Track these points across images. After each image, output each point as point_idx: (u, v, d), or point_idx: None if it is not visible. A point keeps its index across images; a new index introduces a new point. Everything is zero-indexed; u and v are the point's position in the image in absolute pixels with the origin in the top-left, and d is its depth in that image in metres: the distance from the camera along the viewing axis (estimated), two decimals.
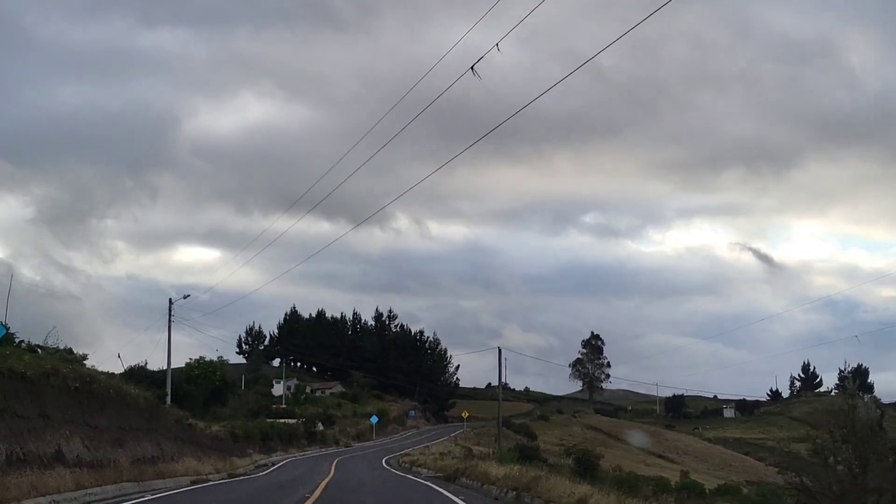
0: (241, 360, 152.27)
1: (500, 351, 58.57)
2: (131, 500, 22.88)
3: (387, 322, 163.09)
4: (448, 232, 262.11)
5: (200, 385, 69.02)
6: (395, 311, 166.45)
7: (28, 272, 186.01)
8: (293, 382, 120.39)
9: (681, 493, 45.89)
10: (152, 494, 24.43)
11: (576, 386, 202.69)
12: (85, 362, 60.80)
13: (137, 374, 64.35)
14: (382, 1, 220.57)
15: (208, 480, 35.54)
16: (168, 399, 55.51)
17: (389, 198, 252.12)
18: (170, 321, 56.07)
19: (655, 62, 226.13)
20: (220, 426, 52.25)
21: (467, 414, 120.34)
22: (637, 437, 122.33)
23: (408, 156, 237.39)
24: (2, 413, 19.74)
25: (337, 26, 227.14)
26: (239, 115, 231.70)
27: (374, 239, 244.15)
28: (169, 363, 56.07)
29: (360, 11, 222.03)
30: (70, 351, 61.77)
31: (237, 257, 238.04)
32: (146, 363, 67.31)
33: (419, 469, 50.10)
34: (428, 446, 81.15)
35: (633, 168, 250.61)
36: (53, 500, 19.30)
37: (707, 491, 57.26)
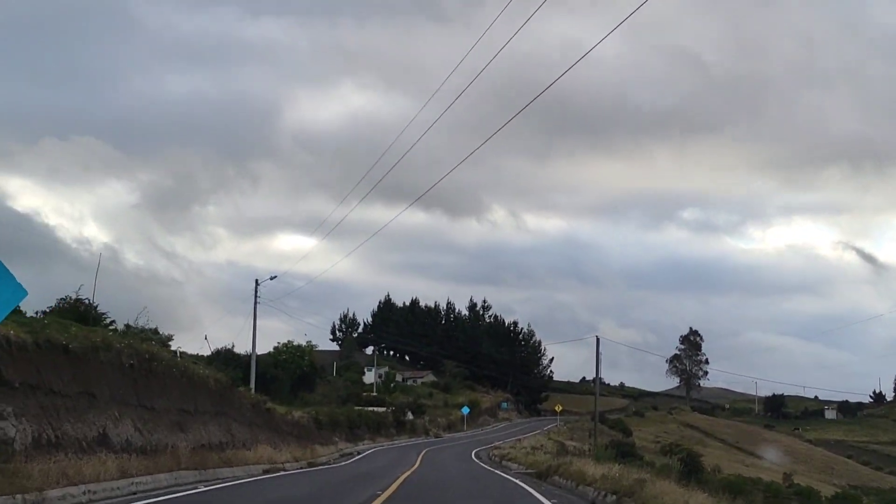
0: (334, 347, 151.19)
1: (597, 340, 55.06)
2: (185, 490, 20.43)
3: (481, 312, 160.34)
4: (544, 225, 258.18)
5: (287, 370, 67.20)
6: (490, 302, 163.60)
7: (132, 257, 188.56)
8: (384, 370, 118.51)
9: (793, 501, 41.87)
10: (209, 485, 21.88)
11: (672, 382, 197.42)
12: (170, 343, 59.61)
13: (224, 357, 62.83)
14: None
15: (283, 469, 33.10)
16: (252, 382, 53.57)
17: (486, 190, 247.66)
18: (255, 303, 54.21)
19: (761, 58, 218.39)
20: (304, 412, 50.09)
21: (560, 407, 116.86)
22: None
23: (505, 148, 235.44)
24: (33, 389, 17.31)
25: (439, 18, 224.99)
26: (340, 105, 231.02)
27: (470, 230, 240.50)
28: (254, 346, 54.22)
29: (463, 4, 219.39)
30: (156, 331, 60.52)
31: (335, 246, 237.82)
32: (233, 346, 65.80)
33: (509, 464, 47.09)
34: (520, 439, 78.04)
35: (735, 164, 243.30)
36: (89, 490, 16.83)
37: (824, 499, 52.71)
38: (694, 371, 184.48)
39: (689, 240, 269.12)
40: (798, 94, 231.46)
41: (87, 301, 57.74)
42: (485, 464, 47.81)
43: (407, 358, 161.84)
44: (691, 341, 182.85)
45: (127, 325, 61.24)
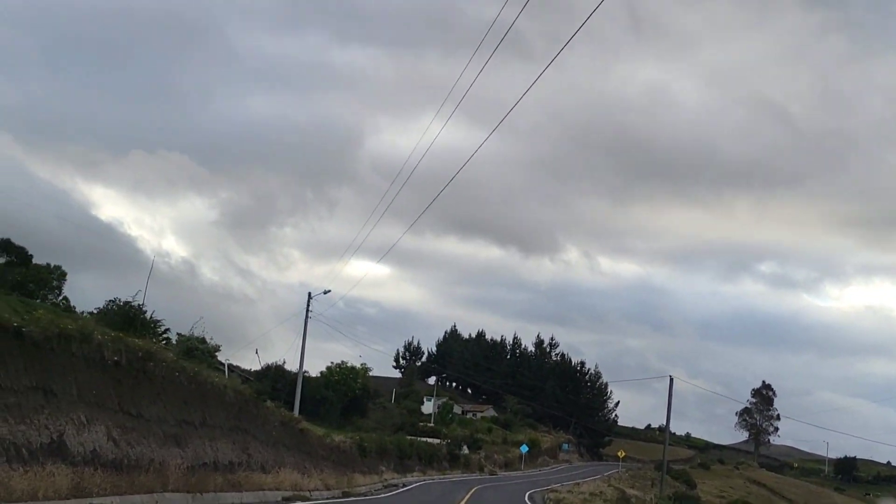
0: (397, 374, 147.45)
1: (670, 381, 50.21)
2: None
3: (547, 350, 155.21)
4: (618, 268, 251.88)
5: (338, 392, 63.40)
6: (558, 341, 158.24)
7: (208, 272, 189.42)
8: (443, 401, 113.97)
9: None
10: None
11: (739, 436, 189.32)
12: (217, 354, 56.16)
13: (273, 373, 59.41)
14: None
15: (307, 498, 29.08)
16: (297, 401, 49.81)
17: (561, 229, 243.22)
18: (307, 317, 50.57)
19: (848, 114, 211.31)
20: (347, 437, 46.06)
21: (623, 454, 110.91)
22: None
23: (584, 189, 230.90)
24: None
25: (525, 56, 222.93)
26: (420, 135, 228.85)
27: (542, 269, 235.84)
28: (302, 362, 50.57)
29: (551, 42, 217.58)
30: (203, 340, 57.18)
31: (406, 275, 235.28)
32: (284, 362, 62.27)
33: None
34: (578, 483, 72.90)
35: (815, 219, 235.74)
36: None
37: None
38: (764, 426, 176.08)
39: (765, 293, 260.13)
40: (883, 153, 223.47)
41: (138, 305, 54.40)
42: None
43: (469, 391, 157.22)
44: (763, 395, 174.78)
45: (179, 335, 58.02)
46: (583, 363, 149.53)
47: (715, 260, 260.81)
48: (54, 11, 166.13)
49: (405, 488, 49.83)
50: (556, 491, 57.46)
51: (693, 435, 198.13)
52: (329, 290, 51.94)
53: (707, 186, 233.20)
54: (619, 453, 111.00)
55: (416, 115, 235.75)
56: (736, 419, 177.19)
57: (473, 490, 54.74)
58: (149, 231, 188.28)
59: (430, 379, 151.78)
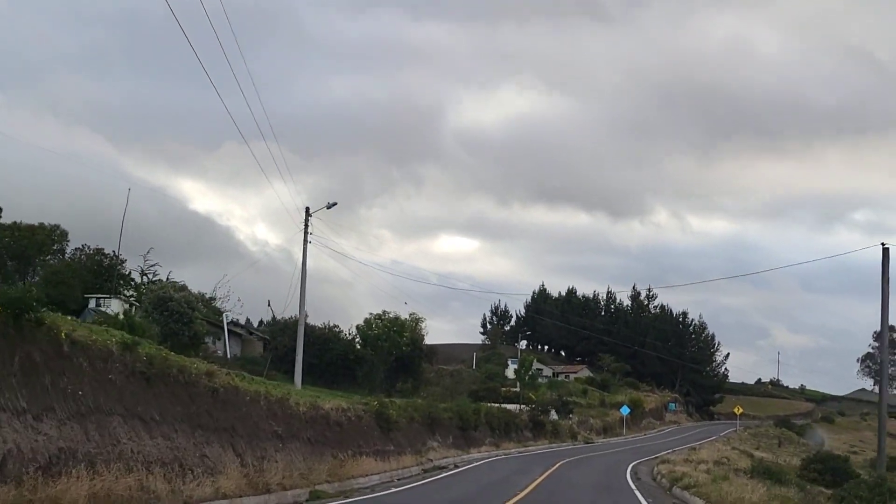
0: (485, 342, 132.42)
1: (884, 250, 33.47)
2: None
3: (645, 303, 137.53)
4: (709, 227, 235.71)
5: (380, 351, 48.44)
6: (655, 293, 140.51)
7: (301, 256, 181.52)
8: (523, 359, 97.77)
9: None
10: None
11: (859, 384, 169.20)
12: (227, 312, 43.31)
13: (284, 326, 45.13)
14: None
15: None
16: (299, 360, 35.18)
17: (649, 191, 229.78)
18: (305, 240, 35.75)
19: None
20: (358, 403, 31.00)
21: (741, 409, 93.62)
22: None
23: (669, 149, 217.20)
24: None
25: (601, 18, 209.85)
26: (501, 107, 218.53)
27: (632, 232, 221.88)
28: (302, 304, 35.67)
29: (627, 3, 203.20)
30: (212, 299, 45.94)
31: (496, 248, 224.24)
32: (307, 315, 47.40)
33: (685, 493, 26.81)
34: (694, 448, 56.59)
35: None
36: None
37: None
38: (891, 372, 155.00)
39: (860, 242, 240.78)
40: None
41: (113, 255, 42.19)
42: (645, 493, 27.58)
43: (562, 353, 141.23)
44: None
45: (149, 282, 45.03)
46: (685, 314, 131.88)
47: (807, 212, 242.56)
48: (133, 8, 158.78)
49: (456, 470, 34.72)
50: (669, 461, 41.54)
51: (808, 387, 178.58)
52: (335, 203, 36.60)
53: (795, 137, 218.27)
54: (735, 410, 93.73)
55: (495, 86, 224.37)
56: (857, 366, 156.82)
57: (556, 466, 39.30)
58: (241, 221, 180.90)
59: (520, 344, 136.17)
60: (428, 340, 73.93)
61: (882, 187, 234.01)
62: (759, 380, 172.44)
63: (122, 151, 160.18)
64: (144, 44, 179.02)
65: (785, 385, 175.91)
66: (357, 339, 49.38)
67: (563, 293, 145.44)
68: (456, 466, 36.54)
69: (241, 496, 17.39)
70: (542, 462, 41.94)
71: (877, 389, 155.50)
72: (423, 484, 27.44)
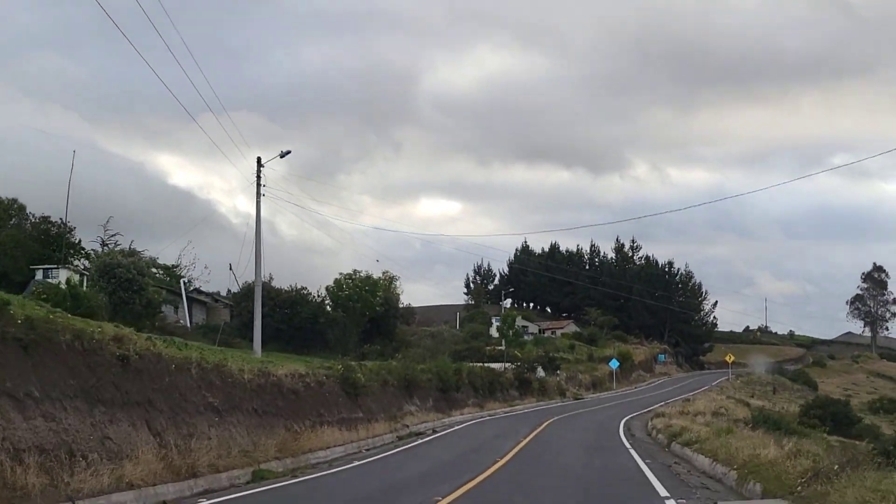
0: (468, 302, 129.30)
1: None
2: None
3: (630, 254, 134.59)
4: (689, 178, 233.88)
5: (353, 312, 45.15)
6: (640, 244, 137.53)
7: (285, 228, 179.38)
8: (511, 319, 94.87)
9: None
10: None
11: (847, 328, 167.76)
12: (184, 278, 39.79)
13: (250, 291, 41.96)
14: None
15: None
16: (257, 324, 31.94)
17: (627, 145, 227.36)
18: (259, 192, 32.24)
19: None
20: (319, 367, 27.79)
21: (732, 357, 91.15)
22: None
23: (646, 102, 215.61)
24: None
25: None
26: (477, 67, 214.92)
27: (613, 187, 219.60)
28: (258, 261, 32.18)
29: None
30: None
31: (478, 209, 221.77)
32: (271, 278, 44.12)
33: (686, 450, 23.91)
34: (688, 399, 53.90)
35: (887, 106, 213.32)
36: None
37: None
38: (880, 312, 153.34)
39: (839, 187, 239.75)
40: None
41: (61, 223, 38.70)
42: (638, 450, 24.61)
43: (547, 309, 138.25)
44: (875, 279, 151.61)
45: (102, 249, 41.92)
46: (670, 263, 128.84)
47: (786, 158, 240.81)
48: None
49: (434, 436, 31.76)
50: (663, 414, 38.65)
51: (797, 333, 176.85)
52: (289, 151, 33.07)
53: (771, 84, 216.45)
54: (726, 358, 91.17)
55: (470, 47, 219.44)
56: (847, 308, 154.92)
57: (544, 426, 36.46)
58: (221, 193, 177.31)
59: (504, 302, 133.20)
60: (413, 304, 71.10)
61: (859, 131, 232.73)
62: (748, 328, 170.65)
63: (97, 128, 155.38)
64: (115, 18, 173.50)
65: (774, 332, 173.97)
66: (327, 302, 46.06)
67: (546, 249, 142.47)
68: (434, 432, 33.56)
69: (154, 484, 14.21)
70: (529, 422, 39.03)
71: (867, 332, 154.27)
72: (393, 454, 24.43)
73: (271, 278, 44.55)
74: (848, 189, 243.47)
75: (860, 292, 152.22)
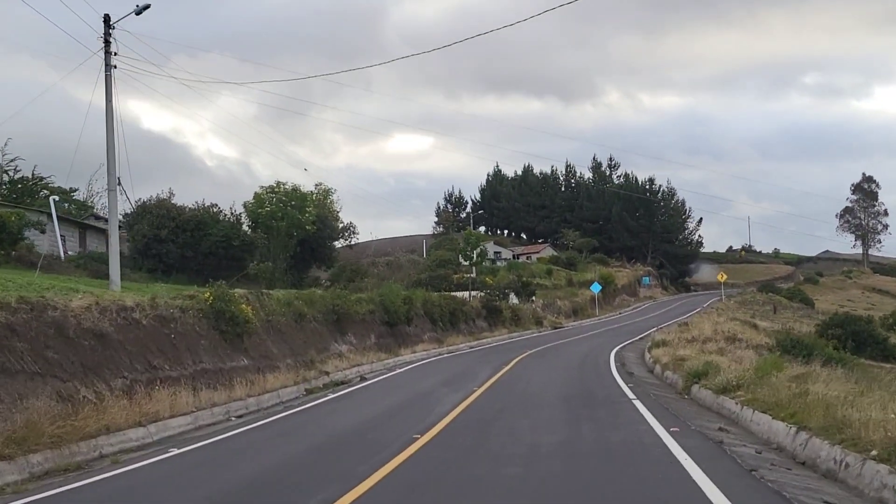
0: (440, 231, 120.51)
1: None
2: None
3: (607, 173, 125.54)
4: (661, 103, 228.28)
5: (277, 232, 35.92)
6: (618, 161, 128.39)
7: (260, 168, 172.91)
8: (487, 246, 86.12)
9: None
10: None
11: (824, 246, 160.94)
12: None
13: (156, 213, 33.01)
14: None
15: None
16: (113, 241, 23.11)
17: (598, 72, 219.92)
18: (108, 56, 22.86)
19: None
20: (191, 296, 18.77)
21: (724, 276, 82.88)
22: None
23: (615, 28, 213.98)
24: None
25: None
26: None
27: (585, 115, 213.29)
28: (111, 155, 22.92)
29: None
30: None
31: (449, 142, 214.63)
32: (171, 194, 34.58)
33: (726, 402, 15.24)
34: (687, 324, 45.17)
35: (855, 23, 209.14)
36: None
37: None
38: (871, 224, 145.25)
39: (811, 106, 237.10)
40: None
41: None
42: (661, 410, 15.80)
43: (523, 236, 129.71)
44: (865, 190, 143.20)
45: None
46: (651, 180, 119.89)
47: (756, 79, 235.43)
48: None
49: (359, 385, 23.03)
50: (665, 343, 29.99)
51: (782, 251, 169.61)
52: (147, 6, 23.50)
53: (739, 4, 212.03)
54: (718, 277, 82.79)
55: None
56: (837, 222, 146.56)
57: (512, 365, 27.84)
58: (196, 136, 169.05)
59: (477, 230, 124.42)
60: (379, 237, 62.03)
61: (829, 49, 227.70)
62: (731, 247, 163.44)
63: (66, 76, 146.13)
64: None
65: (759, 251, 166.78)
66: (246, 221, 36.90)
67: (519, 173, 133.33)
68: (363, 379, 24.79)
69: None
70: (495, 359, 30.38)
71: (858, 247, 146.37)
72: (264, 424, 15.45)
73: (171, 194, 35.28)
74: (818, 108, 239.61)
75: (850, 204, 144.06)
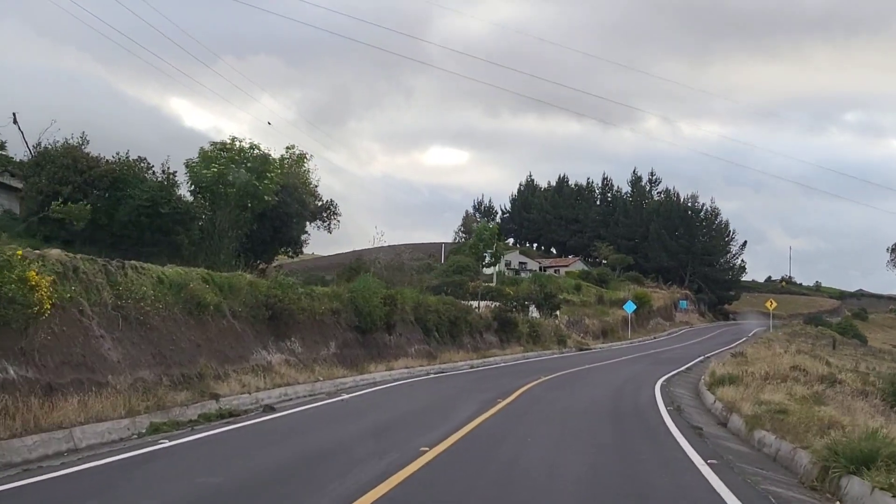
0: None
1: None
2: None
3: (647, 188, 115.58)
4: (700, 132, 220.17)
5: (226, 202, 26.90)
6: (659, 176, 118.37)
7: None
8: (511, 257, 76.83)
9: None
10: None
11: (860, 284, 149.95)
12: None
13: (60, 163, 24.06)
14: None
15: None
16: None
17: (639, 97, 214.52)
18: None
19: None
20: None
21: (774, 304, 72.93)
22: None
23: (658, 54, 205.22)
24: None
25: None
26: (489, 14, 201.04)
27: (623, 140, 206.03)
28: None
29: None
30: None
31: (487, 157, 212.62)
32: (83, 140, 25.33)
33: None
34: (744, 355, 35.41)
35: None
36: None
37: None
38: None
39: (852, 143, 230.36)
40: None
41: None
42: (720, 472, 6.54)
43: (553, 250, 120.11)
44: None
45: None
46: (694, 198, 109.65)
47: (799, 114, 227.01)
48: None
49: (257, 419, 13.78)
50: (734, 380, 20.62)
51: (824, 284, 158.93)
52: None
53: (784, 39, 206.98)
54: (767, 304, 72.84)
55: None
56: (888, 256, 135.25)
57: (515, 396, 18.69)
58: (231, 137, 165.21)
59: (508, 241, 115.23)
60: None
61: (872, 87, 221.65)
62: (770, 277, 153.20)
63: (112, 71, 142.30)
64: None
65: (799, 283, 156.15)
66: (187, 185, 27.86)
67: (553, 184, 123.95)
68: (270, 410, 15.60)
69: None
70: (493, 387, 21.12)
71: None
72: None
73: (84, 140, 26.28)
74: (859, 146, 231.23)
75: None
